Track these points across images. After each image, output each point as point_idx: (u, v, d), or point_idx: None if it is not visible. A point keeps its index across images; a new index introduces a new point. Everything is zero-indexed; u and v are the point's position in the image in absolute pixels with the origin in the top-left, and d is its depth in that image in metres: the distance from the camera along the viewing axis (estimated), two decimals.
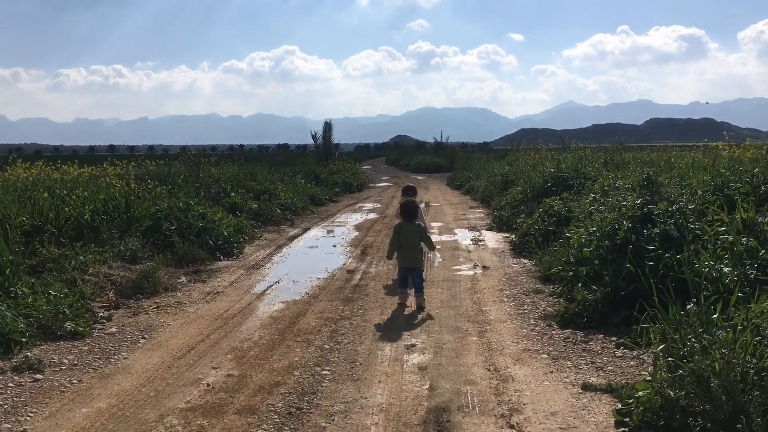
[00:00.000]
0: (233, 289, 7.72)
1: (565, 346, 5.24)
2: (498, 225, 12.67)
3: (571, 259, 6.83)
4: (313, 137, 34.96)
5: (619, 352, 4.99)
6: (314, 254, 10.40)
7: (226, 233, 10.31)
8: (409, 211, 7.00)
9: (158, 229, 9.92)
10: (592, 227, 6.66)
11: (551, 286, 7.33)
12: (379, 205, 18.55)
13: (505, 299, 6.93)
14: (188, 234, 9.87)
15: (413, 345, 5.35)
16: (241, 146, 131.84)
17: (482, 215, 15.23)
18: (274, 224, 13.94)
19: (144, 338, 5.69)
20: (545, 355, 5.02)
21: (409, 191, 8.99)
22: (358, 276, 8.41)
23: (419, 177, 34.63)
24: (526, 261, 9.13)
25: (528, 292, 7.20)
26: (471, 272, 8.48)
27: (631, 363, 4.72)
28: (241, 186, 16.17)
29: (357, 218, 14.92)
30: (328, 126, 35.36)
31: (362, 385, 4.46)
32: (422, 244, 6.87)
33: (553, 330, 5.69)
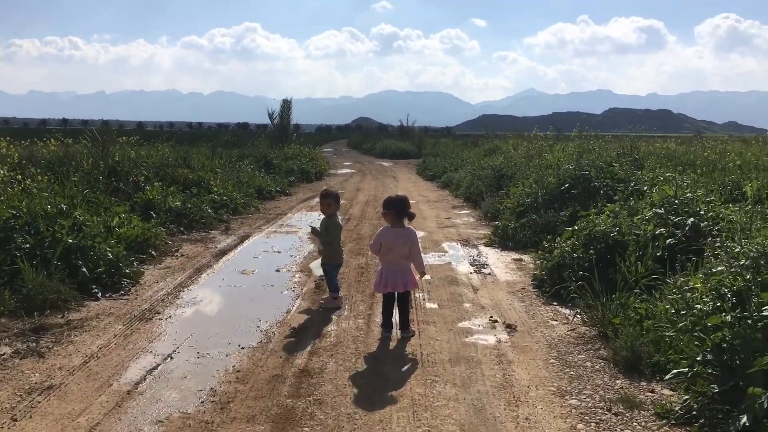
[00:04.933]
0: (83, 377, 4.32)
1: None
2: (501, 240, 9.46)
3: (709, 356, 3.62)
4: (270, 116, 31.30)
5: None
6: (245, 288, 7.02)
7: (111, 255, 6.83)
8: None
9: (6, 248, 6.47)
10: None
11: (651, 389, 4.14)
12: (341, 201, 15.13)
13: (581, 426, 3.70)
14: (51, 257, 6.42)
15: None
16: (200, 124, 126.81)
17: (472, 220, 12.00)
18: (203, 229, 10.49)
19: None
20: None
21: (396, 208, 5.49)
22: (308, 344, 5.10)
23: (385, 163, 31.35)
24: (567, 312, 5.94)
25: (613, 401, 3.96)
26: (491, 339, 5.23)
27: None
28: (166, 176, 12.62)
29: (313, 220, 11.50)
30: (286, 104, 31.80)
31: None
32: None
33: None
